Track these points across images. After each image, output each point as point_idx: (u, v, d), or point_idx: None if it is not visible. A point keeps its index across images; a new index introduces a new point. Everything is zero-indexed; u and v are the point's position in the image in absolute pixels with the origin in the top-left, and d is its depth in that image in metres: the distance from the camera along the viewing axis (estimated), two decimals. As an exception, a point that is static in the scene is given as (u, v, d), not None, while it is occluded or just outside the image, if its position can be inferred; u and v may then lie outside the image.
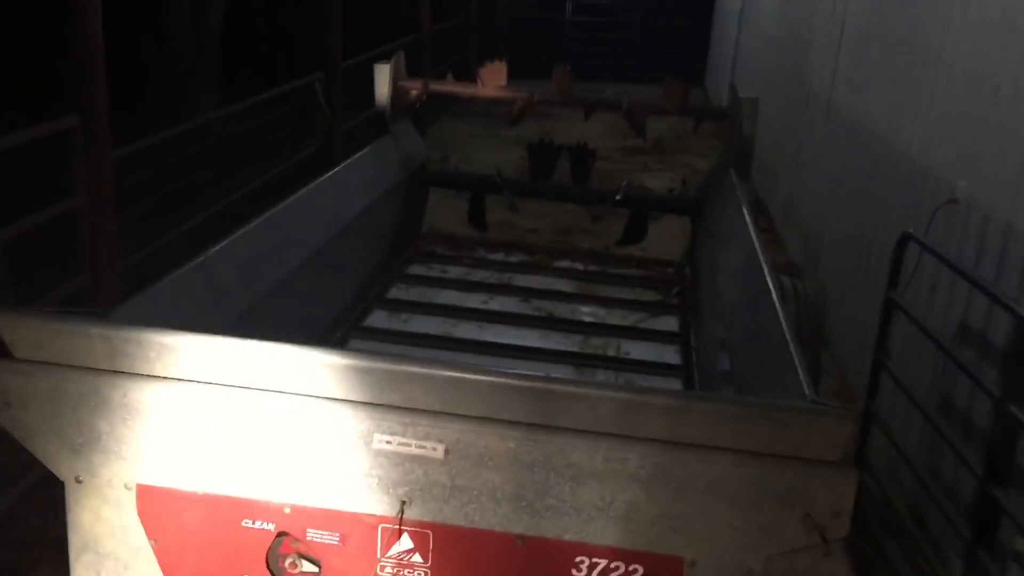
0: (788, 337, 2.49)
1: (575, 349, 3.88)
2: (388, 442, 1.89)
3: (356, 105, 8.45)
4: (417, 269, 4.64)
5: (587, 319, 4.19)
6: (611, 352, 3.89)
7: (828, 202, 6.36)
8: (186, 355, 1.90)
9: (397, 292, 4.32)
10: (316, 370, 1.90)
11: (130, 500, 2.00)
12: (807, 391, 2.12)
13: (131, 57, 7.73)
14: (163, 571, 2.04)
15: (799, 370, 2.25)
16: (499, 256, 4.94)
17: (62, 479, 2.02)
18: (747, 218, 3.69)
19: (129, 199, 5.10)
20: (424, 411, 1.88)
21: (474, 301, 4.27)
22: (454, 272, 4.64)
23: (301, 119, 8.00)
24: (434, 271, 4.65)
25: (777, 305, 2.74)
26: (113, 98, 4.13)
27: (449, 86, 5.08)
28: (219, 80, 9.24)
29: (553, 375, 2.03)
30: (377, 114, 4.74)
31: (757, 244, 3.36)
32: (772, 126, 8.41)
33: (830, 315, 5.84)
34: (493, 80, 4.86)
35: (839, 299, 5.73)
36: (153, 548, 2.03)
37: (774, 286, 2.93)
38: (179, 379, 1.92)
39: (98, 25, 4.02)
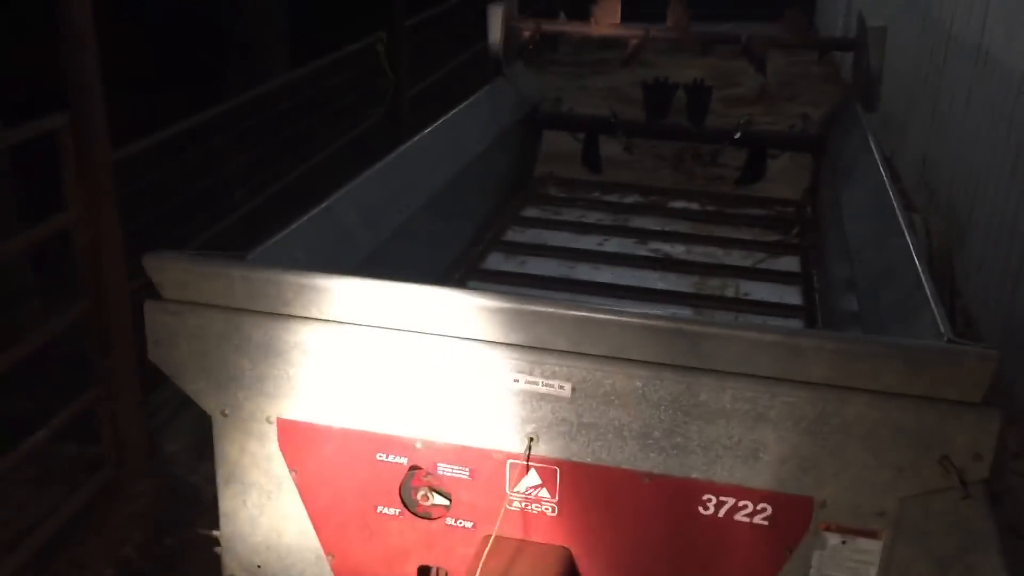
0: (922, 274, 2.40)
1: (692, 290, 3.84)
2: (516, 380, 1.93)
3: (424, 67, 7.72)
4: (532, 211, 4.65)
5: (704, 260, 4.13)
6: (730, 293, 3.83)
7: (979, 170, 5.37)
8: (322, 296, 1.97)
9: (513, 235, 4.35)
10: (446, 310, 1.94)
11: (272, 433, 2.10)
12: (943, 330, 2.05)
13: (204, 22, 6.97)
14: (303, 500, 2.15)
15: (934, 309, 2.18)
16: (614, 198, 4.90)
17: (209, 413, 2.13)
18: (875, 152, 3.55)
19: (185, 180, 4.59)
20: (551, 350, 1.90)
21: (589, 243, 4.27)
22: (569, 214, 4.63)
23: (364, 84, 7.02)
24: (548, 213, 4.65)
25: (909, 241, 2.64)
26: (186, 67, 3.87)
27: (562, 26, 5.02)
28: (289, 40, 8.27)
29: (678, 314, 2.01)
30: (485, 58, 4.72)
31: (886, 178, 3.23)
32: (900, 72, 7.37)
33: (982, 316, 4.93)
34: (606, 17, 4.78)
35: (994, 294, 4.79)
36: (294, 478, 2.13)
37: (905, 222, 2.82)
38: (315, 319, 2.00)
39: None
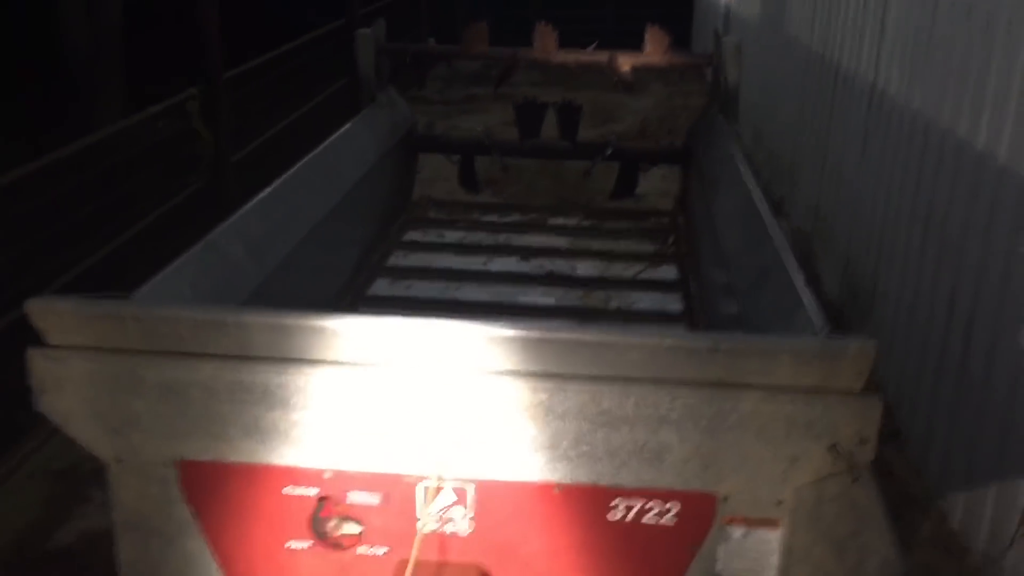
0: (793, 275, 2.54)
1: (578, 304, 3.94)
2: (423, 402, 1.94)
3: (252, 125, 6.65)
4: (414, 235, 4.67)
5: (587, 274, 4.24)
6: (614, 304, 3.95)
7: (882, 232, 4.59)
8: (219, 331, 1.93)
9: (396, 259, 4.35)
10: (344, 336, 1.94)
11: (172, 476, 2.04)
12: (820, 325, 2.17)
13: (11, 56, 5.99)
14: (209, 542, 2.09)
15: (808, 307, 2.31)
16: (494, 217, 4.97)
17: (103, 461, 2.05)
18: (740, 162, 3.73)
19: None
20: (457, 369, 1.92)
21: (473, 263, 4.31)
22: (451, 236, 4.67)
23: (180, 149, 5.72)
24: (431, 236, 4.68)
25: (780, 245, 2.79)
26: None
27: (431, 50, 5.07)
28: (125, 86, 7.09)
29: (580, 326, 2.07)
30: (327, 110, 4.62)
31: (753, 186, 3.40)
32: (783, 111, 6.97)
33: (903, 419, 4.08)
34: (475, 41, 4.85)
35: (910, 392, 3.99)
36: (197, 521, 2.07)
37: (772, 226, 2.98)
38: (213, 355, 1.95)
39: None
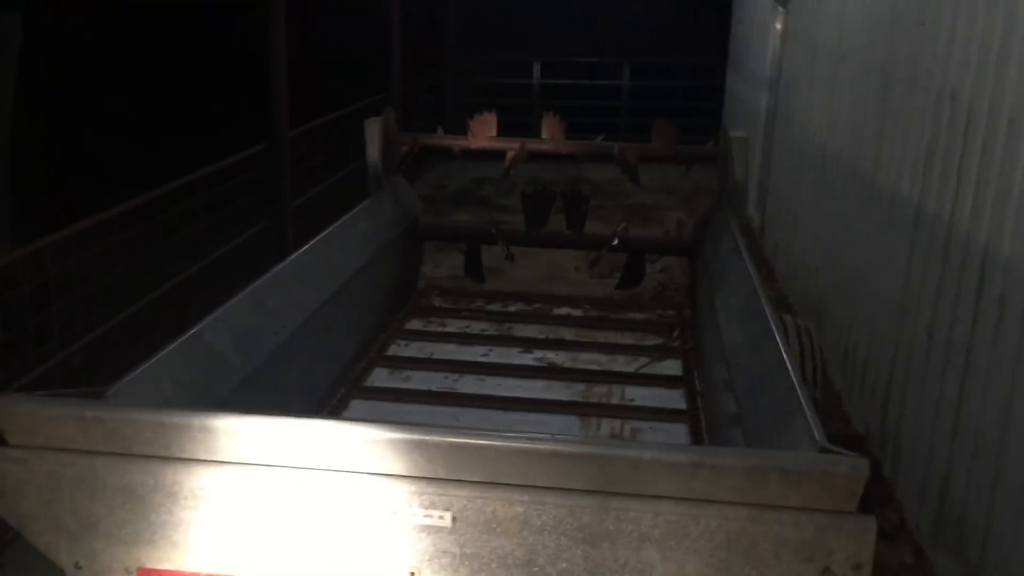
0: (794, 380, 2.45)
1: (578, 398, 3.84)
2: (394, 512, 1.85)
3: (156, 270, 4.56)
4: (416, 324, 4.61)
5: (589, 367, 4.15)
6: (615, 400, 3.85)
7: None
8: (183, 434, 1.87)
9: (397, 349, 4.29)
10: (314, 442, 1.86)
11: None
12: (817, 437, 2.08)
13: None
14: None
15: (808, 414, 2.21)
16: (497, 307, 4.92)
17: (61, 567, 1.97)
18: (745, 258, 3.67)
19: None
20: (429, 478, 1.84)
21: (474, 354, 4.24)
22: (453, 325, 4.61)
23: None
24: (433, 325, 4.62)
25: (781, 347, 2.71)
26: None
27: (439, 139, 5.10)
28: (13, 198, 5.45)
29: (557, 436, 1.99)
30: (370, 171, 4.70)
31: (756, 284, 3.34)
32: (870, 295, 4.71)
33: None
34: (483, 131, 4.88)
35: None
36: None
37: (776, 327, 2.90)
38: (177, 458, 1.88)
39: None
